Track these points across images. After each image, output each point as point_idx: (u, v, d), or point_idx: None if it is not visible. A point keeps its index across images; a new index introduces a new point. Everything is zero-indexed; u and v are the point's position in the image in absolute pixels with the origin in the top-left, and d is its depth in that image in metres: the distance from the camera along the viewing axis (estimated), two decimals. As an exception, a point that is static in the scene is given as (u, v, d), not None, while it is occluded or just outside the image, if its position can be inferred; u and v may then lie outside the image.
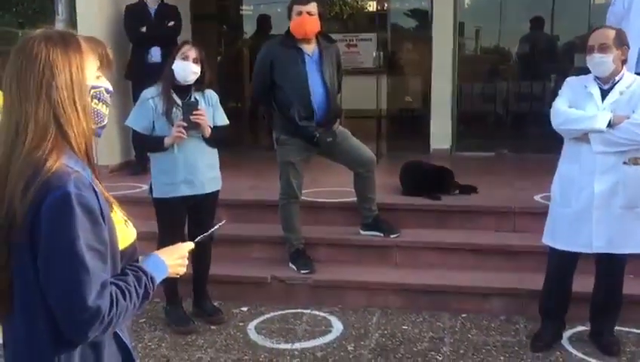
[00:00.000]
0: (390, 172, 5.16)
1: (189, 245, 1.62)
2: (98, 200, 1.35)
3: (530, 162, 5.98)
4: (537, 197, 4.56)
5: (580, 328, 3.61)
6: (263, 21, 7.94)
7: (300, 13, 4.06)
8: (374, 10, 9.01)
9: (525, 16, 7.62)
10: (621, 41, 3.21)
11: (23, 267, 1.33)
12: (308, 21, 4.06)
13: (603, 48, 3.18)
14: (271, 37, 6.08)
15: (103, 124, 1.51)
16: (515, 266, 4.12)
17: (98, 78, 1.47)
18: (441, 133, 6.94)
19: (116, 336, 1.46)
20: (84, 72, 1.40)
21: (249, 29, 8.93)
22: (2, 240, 1.33)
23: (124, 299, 1.36)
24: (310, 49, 4.15)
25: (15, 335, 1.40)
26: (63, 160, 1.33)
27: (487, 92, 8.12)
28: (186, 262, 1.60)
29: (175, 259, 1.57)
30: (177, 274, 1.59)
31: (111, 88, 1.51)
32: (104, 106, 1.49)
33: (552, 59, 7.54)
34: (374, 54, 7.41)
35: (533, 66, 7.55)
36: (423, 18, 8.06)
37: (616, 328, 3.52)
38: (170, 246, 1.60)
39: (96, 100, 1.46)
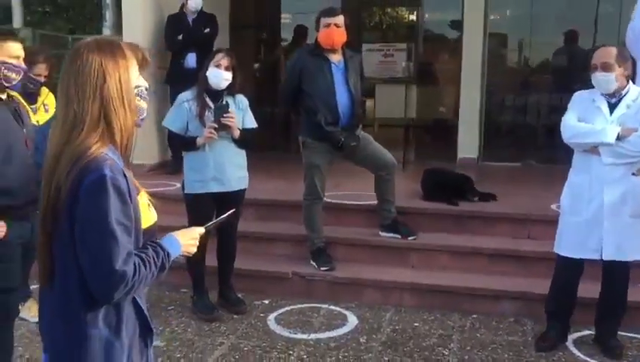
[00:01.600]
0: (415, 179, 5.35)
1: (200, 229, 1.86)
2: (128, 184, 1.59)
3: (555, 173, 6.03)
4: (554, 206, 4.67)
5: (586, 332, 3.74)
6: (300, 31, 8.23)
7: (327, 25, 4.30)
8: (407, 20, 9.20)
9: (556, 29, 7.71)
10: (624, 58, 3.34)
11: (62, 236, 1.58)
12: (335, 33, 4.30)
13: (605, 67, 3.31)
14: (306, 45, 6.35)
15: (143, 116, 1.78)
16: (527, 271, 4.26)
17: (138, 77, 1.71)
18: (468, 142, 7.08)
19: (134, 300, 1.68)
20: (129, 74, 1.65)
21: (286, 37, 9.23)
22: (50, 211, 1.58)
23: (145, 268, 1.59)
24: (337, 58, 4.39)
25: (51, 298, 1.64)
26: (103, 149, 1.58)
27: (516, 103, 8.21)
28: (197, 243, 1.83)
29: (187, 239, 1.78)
30: (189, 253, 1.81)
31: (148, 86, 1.79)
32: (144, 102, 1.75)
33: (583, 72, 7.59)
34: (403, 64, 7.60)
35: (564, 79, 7.61)
36: (454, 29, 8.22)
37: (621, 333, 3.63)
38: (184, 229, 1.84)
39: (138, 97, 1.70)
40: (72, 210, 1.55)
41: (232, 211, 2.09)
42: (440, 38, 9.01)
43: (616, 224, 3.36)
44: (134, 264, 1.57)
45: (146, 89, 1.76)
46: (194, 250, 1.82)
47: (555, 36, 7.65)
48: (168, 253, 1.69)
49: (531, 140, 7.97)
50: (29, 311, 3.85)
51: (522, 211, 4.74)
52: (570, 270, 3.53)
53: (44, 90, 3.91)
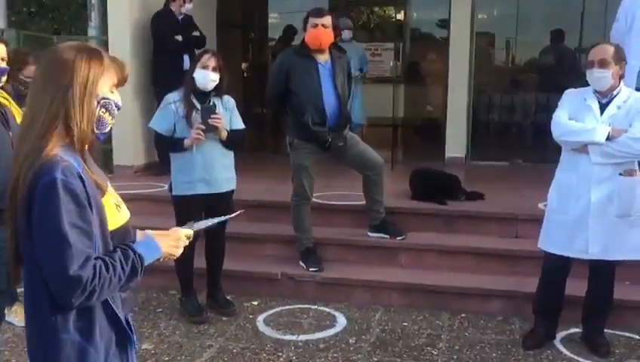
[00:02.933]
0: (403, 178, 5.35)
1: (187, 231, 1.81)
2: (85, 187, 1.54)
3: (542, 172, 6.07)
4: (541, 205, 4.70)
5: (573, 330, 3.76)
6: (289, 31, 8.22)
7: (315, 26, 4.29)
8: (395, 20, 9.22)
9: (543, 28, 7.76)
10: (620, 57, 3.35)
11: (24, 241, 1.56)
12: (323, 33, 4.30)
13: (602, 64, 3.32)
14: (293, 45, 6.35)
15: (106, 131, 1.67)
16: (515, 270, 4.28)
17: (112, 92, 1.65)
18: (456, 141, 7.12)
19: (107, 307, 1.63)
20: (98, 83, 1.60)
21: (274, 36, 9.22)
22: (13, 210, 1.56)
23: (107, 272, 1.53)
24: (324, 59, 4.38)
25: (26, 301, 1.63)
26: (57, 151, 1.53)
27: (504, 102, 8.26)
28: (181, 244, 1.76)
29: (169, 241, 1.73)
30: (172, 256, 1.76)
31: (120, 104, 1.68)
32: (110, 117, 1.65)
33: (570, 71, 7.66)
34: (391, 63, 7.62)
35: (551, 78, 7.66)
36: (442, 28, 8.25)
37: (608, 331, 3.67)
38: (167, 231, 1.79)
39: (104, 109, 1.62)
40: (29, 212, 1.52)
41: (229, 216, 2.04)
42: (427, 38, 9.03)
43: (602, 223, 3.38)
44: (94, 268, 1.51)
45: (116, 105, 1.66)
46: (178, 252, 1.77)
47: (542, 35, 7.70)
48: (140, 256, 1.63)
49: (518, 139, 8.02)
50: (15, 315, 3.81)
51: (510, 210, 4.76)
52: (557, 268, 3.55)
53: None
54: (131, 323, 1.73)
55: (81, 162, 1.59)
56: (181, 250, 1.78)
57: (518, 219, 4.65)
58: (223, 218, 1.99)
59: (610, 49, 3.38)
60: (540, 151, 7.15)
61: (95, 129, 1.62)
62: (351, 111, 6.26)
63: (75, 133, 1.57)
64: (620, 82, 3.41)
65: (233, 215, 2.01)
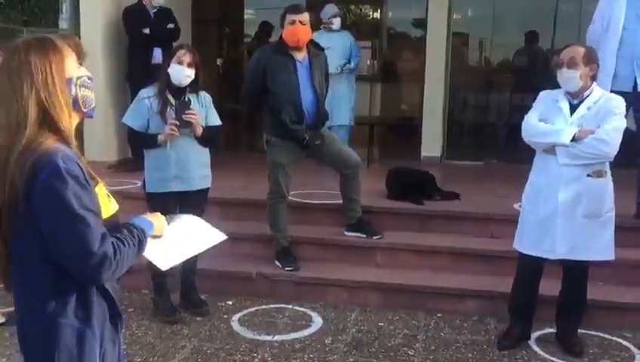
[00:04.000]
0: (379, 177, 5.33)
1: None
2: (84, 173, 1.59)
3: (517, 172, 6.09)
4: (516, 206, 4.71)
5: (548, 330, 3.78)
6: (265, 27, 8.15)
7: (293, 22, 4.24)
8: (371, 18, 9.21)
9: (519, 29, 7.82)
10: (590, 59, 3.37)
11: (22, 233, 1.58)
12: (301, 30, 4.25)
13: (571, 64, 3.34)
14: (270, 42, 6.27)
15: (92, 106, 1.72)
16: (490, 270, 4.29)
17: (79, 68, 1.69)
18: (431, 141, 7.13)
19: (102, 288, 1.68)
20: (64, 68, 1.63)
21: (250, 33, 9.14)
22: (6, 213, 1.58)
23: (124, 246, 1.61)
24: (301, 56, 4.33)
25: (17, 295, 1.65)
26: (53, 143, 1.58)
27: (479, 102, 8.32)
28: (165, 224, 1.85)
29: (157, 219, 1.81)
30: (160, 233, 1.81)
31: (91, 75, 1.73)
32: (89, 91, 1.70)
33: (544, 72, 7.74)
34: (368, 62, 7.60)
35: (526, 79, 7.74)
36: (418, 27, 8.27)
37: (582, 331, 3.70)
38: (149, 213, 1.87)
39: (83, 88, 1.67)
40: (31, 207, 1.55)
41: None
42: (404, 37, 9.05)
43: (570, 224, 3.40)
44: (113, 244, 1.59)
45: (89, 78, 1.71)
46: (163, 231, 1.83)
47: (517, 36, 7.77)
48: (142, 229, 1.71)
49: (493, 139, 8.08)
50: None
51: (485, 210, 4.78)
52: (530, 269, 3.57)
53: None
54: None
55: (75, 152, 1.62)
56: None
57: (493, 219, 4.67)
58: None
59: (581, 50, 3.40)
60: (514, 152, 7.21)
61: (83, 108, 1.68)
62: (339, 110, 6.25)
63: (62, 126, 1.61)
64: (591, 83, 3.42)
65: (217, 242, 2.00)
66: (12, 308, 3.89)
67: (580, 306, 3.58)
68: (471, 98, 8.26)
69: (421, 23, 7.82)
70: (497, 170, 6.83)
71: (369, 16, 9.74)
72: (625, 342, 3.72)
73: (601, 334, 3.80)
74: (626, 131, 4.58)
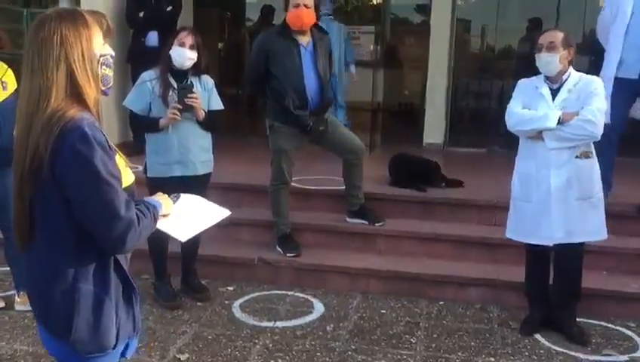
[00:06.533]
0: (382, 164, 5.30)
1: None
2: (107, 141, 1.62)
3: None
4: (520, 193, 4.70)
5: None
6: (267, 11, 8.06)
7: (297, 6, 4.17)
8: (375, 3, 9.11)
9: (523, 15, 7.74)
10: (568, 43, 3.41)
11: (46, 199, 1.60)
12: (305, 13, 4.18)
13: (550, 48, 3.38)
14: (273, 26, 6.20)
15: (110, 84, 1.74)
16: (493, 258, 4.27)
17: (103, 45, 1.70)
18: (434, 127, 7.08)
19: (116, 261, 1.71)
20: (92, 44, 1.65)
21: (252, 16, 9.06)
22: (30, 179, 1.59)
23: (145, 215, 1.67)
24: (305, 40, 4.27)
25: (39, 259, 1.67)
26: (78, 112, 1.60)
27: (482, 89, 8.25)
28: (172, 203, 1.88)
29: (164, 199, 1.85)
30: (168, 212, 1.84)
31: (113, 53, 1.74)
32: (109, 70, 1.72)
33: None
34: (371, 47, 7.52)
35: (529, 66, 7.65)
36: (422, 12, 8.18)
37: (584, 320, 3.68)
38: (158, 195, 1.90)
39: (104, 66, 1.69)
40: (56, 172, 1.56)
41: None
42: (407, 22, 8.96)
43: (564, 208, 3.41)
44: (135, 212, 1.63)
45: (112, 57, 1.73)
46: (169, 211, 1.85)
47: (521, 22, 7.69)
48: (154, 206, 1.75)
49: (496, 126, 8.01)
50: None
51: (488, 198, 4.74)
52: (537, 254, 3.57)
53: (2, 66, 3.66)
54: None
55: (97, 122, 1.65)
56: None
57: (497, 206, 4.61)
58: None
59: (560, 34, 3.44)
60: (517, 139, 7.17)
61: (102, 87, 1.69)
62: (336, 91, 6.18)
63: (87, 98, 1.63)
64: (569, 67, 3.45)
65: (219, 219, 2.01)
66: (11, 292, 3.89)
67: (577, 292, 3.56)
68: (474, 84, 8.19)
69: (425, 9, 7.73)
70: (500, 158, 6.78)
71: (372, 1, 9.64)
72: (628, 332, 3.70)
73: (604, 323, 3.78)
74: (632, 120, 4.57)
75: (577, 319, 3.63)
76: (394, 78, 8.47)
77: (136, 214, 1.63)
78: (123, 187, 1.64)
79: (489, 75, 8.27)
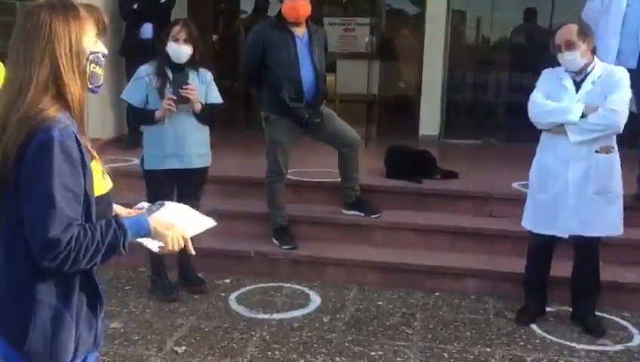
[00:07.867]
0: (377, 156, 5.30)
1: (190, 232, 1.76)
2: (80, 150, 1.51)
3: (515, 151, 6.09)
4: (515, 185, 4.72)
5: (547, 308, 3.76)
6: (262, 3, 8.03)
7: (293, -3, 4.16)
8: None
9: (519, 6, 7.73)
10: (585, 33, 3.36)
11: (8, 202, 1.51)
12: (301, 5, 4.17)
13: (569, 46, 3.33)
14: (268, 18, 6.17)
15: (99, 83, 1.65)
16: (489, 249, 4.28)
17: (96, 43, 1.61)
18: (430, 119, 7.07)
19: (87, 271, 1.60)
20: (82, 40, 1.56)
21: (246, 8, 9.01)
22: None
23: (84, 238, 1.49)
24: (301, 32, 4.26)
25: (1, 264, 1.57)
26: (55, 112, 1.50)
27: (478, 81, 8.24)
28: (180, 242, 1.72)
29: (164, 228, 1.68)
30: (168, 248, 1.71)
31: (106, 52, 1.66)
32: (100, 69, 1.63)
33: (543, 51, 7.65)
34: (367, 39, 7.51)
35: (525, 57, 7.66)
36: (417, 4, 8.16)
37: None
38: (171, 221, 1.72)
39: (94, 65, 1.60)
40: (19, 177, 1.48)
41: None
42: (402, 13, 8.94)
43: (581, 201, 3.41)
44: (73, 233, 1.48)
45: (104, 55, 1.64)
46: (173, 248, 1.71)
47: (517, 13, 7.68)
48: (123, 227, 1.57)
49: (491, 118, 8.03)
50: None
51: (484, 189, 4.75)
52: (542, 246, 3.58)
53: None
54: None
55: (76, 124, 1.55)
56: (176, 248, 1.73)
57: (492, 198, 4.64)
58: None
59: (574, 28, 3.38)
60: (513, 130, 7.19)
61: (89, 84, 1.61)
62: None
63: (69, 97, 1.54)
64: (593, 57, 3.41)
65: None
66: None
67: (594, 285, 3.57)
68: (470, 76, 8.18)
69: (420, 0, 7.71)
70: (496, 149, 6.81)
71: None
72: (623, 322, 3.72)
73: (600, 314, 3.79)
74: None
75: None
76: (389, 69, 8.45)
77: (76, 234, 1.47)
78: (96, 196, 1.57)
79: (485, 67, 8.27)
